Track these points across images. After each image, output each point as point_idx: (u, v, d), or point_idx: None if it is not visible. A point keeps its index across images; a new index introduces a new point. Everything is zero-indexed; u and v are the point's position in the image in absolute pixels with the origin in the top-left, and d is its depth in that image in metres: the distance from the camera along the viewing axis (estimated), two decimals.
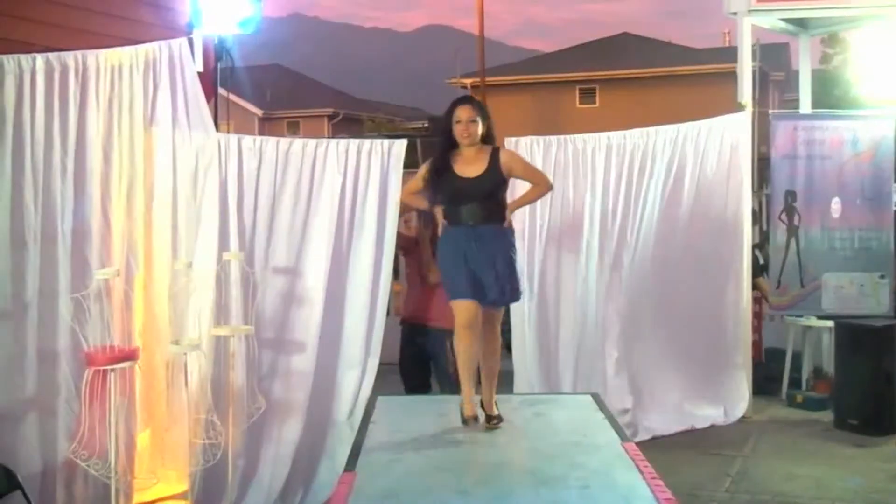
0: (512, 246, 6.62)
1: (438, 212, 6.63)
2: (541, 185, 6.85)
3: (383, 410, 6.88)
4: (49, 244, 6.91)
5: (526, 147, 9.23)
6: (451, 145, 6.51)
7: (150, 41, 7.52)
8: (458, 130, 6.45)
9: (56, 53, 6.98)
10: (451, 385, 7.95)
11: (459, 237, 6.44)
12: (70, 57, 7.02)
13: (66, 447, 6.67)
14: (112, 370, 6.45)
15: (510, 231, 6.64)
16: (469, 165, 6.46)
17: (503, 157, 6.55)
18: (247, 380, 7.49)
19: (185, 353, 6.95)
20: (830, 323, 10.95)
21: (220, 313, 7.46)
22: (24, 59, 6.80)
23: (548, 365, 9.60)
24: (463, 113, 6.48)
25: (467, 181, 6.43)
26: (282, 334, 7.81)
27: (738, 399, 10.58)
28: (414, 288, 8.97)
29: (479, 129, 6.49)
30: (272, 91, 47.40)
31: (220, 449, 7.09)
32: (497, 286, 6.44)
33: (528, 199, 7.06)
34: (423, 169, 6.63)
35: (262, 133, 39.87)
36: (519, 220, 8.51)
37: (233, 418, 7.24)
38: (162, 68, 7.39)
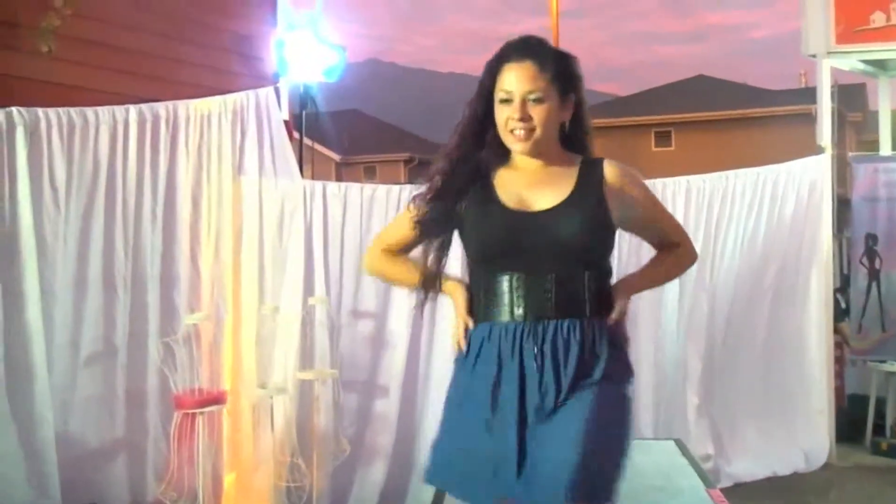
0: (624, 380, 3.39)
1: (455, 291, 3.55)
2: (683, 249, 3.68)
3: None
4: (139, 289, 7.07)
5: None
6: (486, 145, 3.49)
7: (238, 90, 7.70)
8: (506, 120, 3.37)
9: (148, 104, 7.17)
10: None
11: (493, 350, 3.33)
12: (161, 107, 7.20)
13: (155, 487, 6.81)
14: (200, 413, 6.58)
15: (619, 342, 3.44)
16: (533, 188, 3.38)
17: (610, 176, 3.41)
18: (331, 423, 7.57)
19: (271, 397, 7.06)
20: None
21: (306, 357, 7.56)
22: (118, 110, 6.98)
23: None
24: (518, 78, 3.33)
25: (528, 218, 3.32)
26: (366, 378, 7.89)
27: (820, 446, 10.45)
28: None
29: (552, 114, 3.36)
30: (349, 136, 47.74)
31: (304, 492, 7.17)
32: (569, 472, 3.09)
33: (661, 275, 3.78)
34: (412, 208, 3.58)
35: (338, 178, 40.24)
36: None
37: (317, 461, 7.32)
38: (249, 117, 7.55)
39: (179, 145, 7.31)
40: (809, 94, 11.97)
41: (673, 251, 3.69)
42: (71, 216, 6.72)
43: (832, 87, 12.27)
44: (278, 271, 7.62)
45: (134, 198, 7.08)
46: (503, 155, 3.49)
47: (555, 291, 3.28)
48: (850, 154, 12.67)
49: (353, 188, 7.99)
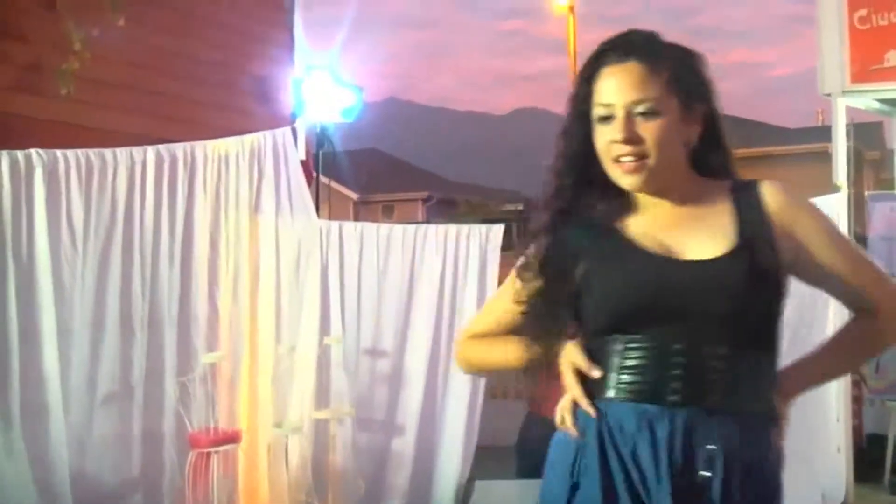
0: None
1: (567, 370, 2.64)
2: (884, 316, 2.54)
3: (482, 495, 6.91)
4: (156, 329, 7.10)
5: None
6: (589, 181, 2.52)
7: (256, 131, 7.75)
8: (607, 145, 2.45)
9: (166, 145, 7.23)
10: None
11: (617, 444, 2.44)
12: (179, 148, 7.26)
13: None
14: (215, 452, 6.59)
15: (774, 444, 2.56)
16: (675, 232, 2.46)
17: (775, 203, 2.46)
18: (347, 462, 7.57)
19: (287, 436, 7.08)
20: None
21: (321, 396, 7.57)
22: (136, 151, 7.04)
23: None
24: (620, 86, 2.43)
25: (683, 268, 2.40)
26: (382, 417, 7.90)
27: (838, 485, 10.37)
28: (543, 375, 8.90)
29: (670, 132, 2.42)
30: (367, 175, 47.90)
31: None
32: None
33: (844, 359, 2.79)
34: (517, 283, 2.65)
35: (356, 217, 40.32)
36: None
37: (333, 501, 7.32)
38: (266, 157, 7.60)
39: (197, 186, 7.35)
40: (826, 133, 11.96)
41: (866, 319, 2.53)
42: (88, 256, 6.76)
43: (848, 125, 12.29)
44: (295, 310, 7.65)
45: (151, 238, 7.11)
46: (620, 195, 2.50)
47: (716, 365, 2.36)
48: (868, 192, 12.66)
49: (370, 227, 8.04)
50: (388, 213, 46.99)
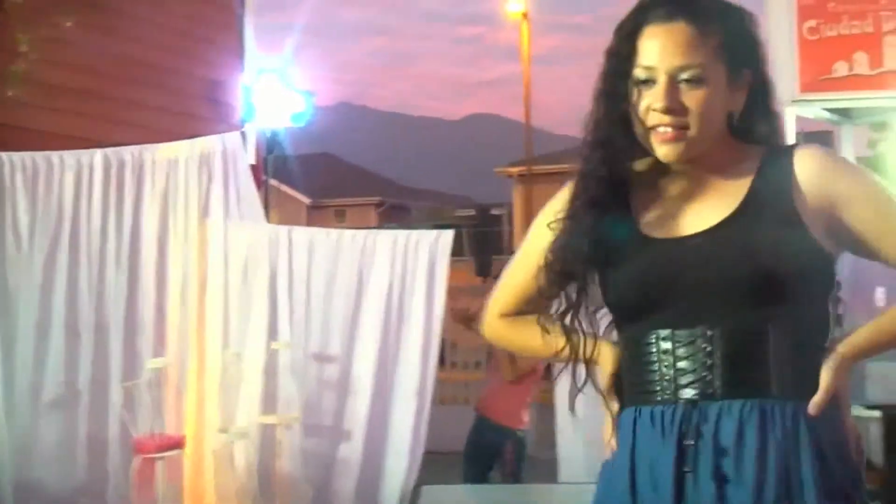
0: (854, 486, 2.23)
1: (604, 360, 2.40)
2: None
3: (429, 500, 6.92)
4: (102, 333, 7.07)
5: None
6: (628, 152, 2.32)
7: (205, 135, 7.73)
8: (646, 111, 2.24)
9: (114, 149, 7.20)
10: (514, 483, 7.94)
11: (650, 448, 2.23)
12: (127, 152, 7.23)
13: None
14: (160, 458, 6.56)
15: (842, 449, 2.22)
16: (688, 205, 2.30)
17: (804, 169, 2.24)
18: (294, 468, 7.55)
19: (233, 442, 7.05)
20: (878, 413, 10.86)
21: (269, 401, 7.55)
22: (83, 154, 7.01)
23: (595, 453, 9.58)
24: (665, 47, 2.20)
25: (674, 247, 2.25)
26: (329, 423, 7.88)
27: None
28: (491, 380, 8.93)
29: (716, 102, 2.22)
30: (320, 180, 47.80)
31: None
32: None
33: None
34: (536, 236, 2.46)
35: (309, 221, 40.19)
36: None
37: None
38: (216, 161, 7.57)
39: (145, 190, 7.32)
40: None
41: None
42: (34, 260, 6.72)
43: (798, 134, 12.40)
44: (243, 316, 7.62)
45: (98, 242, 7.09)
46: (651, 160, 2.32)
47: (720, 355, 2.17)
48: None
49: (319, 233, 8.03)
50: (340, 217, 46.95)
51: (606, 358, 2.37)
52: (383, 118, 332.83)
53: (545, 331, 2.39)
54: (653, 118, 2.21)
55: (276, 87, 9.50)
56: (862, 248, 2.27)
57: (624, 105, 2.24)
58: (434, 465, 8.56)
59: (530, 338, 2.46)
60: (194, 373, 7.38)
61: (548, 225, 2.37)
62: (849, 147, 13.29)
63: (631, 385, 2.30)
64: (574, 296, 2.33)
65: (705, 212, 2.25)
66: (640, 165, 2.34)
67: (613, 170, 2.28)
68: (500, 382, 8.18)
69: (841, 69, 11.33)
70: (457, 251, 8.14)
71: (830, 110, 12.27)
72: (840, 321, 10.85)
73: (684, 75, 2.18)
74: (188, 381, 7.30)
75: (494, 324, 2.59)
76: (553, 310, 2.39)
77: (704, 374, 2.16)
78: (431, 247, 8.01)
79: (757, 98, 2.30)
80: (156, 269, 7.33)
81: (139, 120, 8.85)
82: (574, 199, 2.35)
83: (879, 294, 11.30)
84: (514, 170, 40.15)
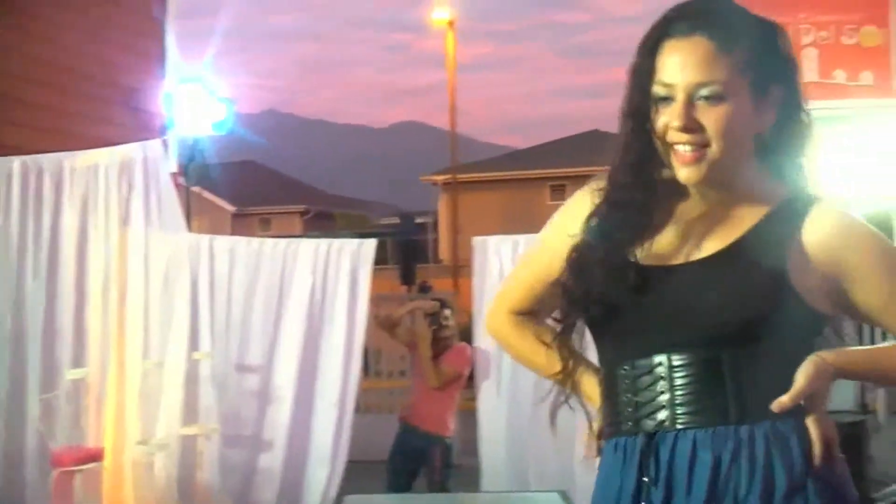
0: None
1: (589, 391, 2.36)
2: None
3: None
4: (19, 343, 6.97)
5: (494, 247, 9.24)
6: (656, 173, 2.22)
7: (126, 143, 7.65)
8: (664, 129, 2.15)
9: (32, 156, 7.10)
10: (439, 491, 7.93)
11: (621, 480, 2.21)
12: (45, 159, 7.14)
13: None
14: (78, 470, 6.48)
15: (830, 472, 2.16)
16: (690, 234, 2.22)
17: (813, 232, 2.14)
18: (214, 479, 7.50)
19: (153, 453, 6.98)
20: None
21: (189, 412, 7.49)
22: (1, 161, 6.92)
23: (518, 461, 9.59)
24: (683, 63, 2.11)
25: (657, 274, 2.18)
26: (250, 432, 7.84)
27: None
28: (416, 387, 8.86)
29: (738, 121, 2.12)
30: (245, 188, 47.55)
31: None
32: None
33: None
34: (555, 239, 2.37)
35: (233, 229, 39.95)
36: None
37: None
38: (136, 169, 7.50)
39: (64, 198, 7.24)
40: None
41: None
42: None
43: None
44: (163, 325, 7.56)
45: (16, 251, 6.99)
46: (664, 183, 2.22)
47: (672, 383, 2.14)
48: None
49: (241, 242, 7.99)
50: (265, 226, 46.72)
51: (593, 393, 2.33)
52: (309, 126, 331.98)
53: (546, 346, 2.35)
54: (671, 136, 2.13)
55: (198, 94, 9.44)
56: (865, 320, 2.22)
57: (649, 124, 2.16)
58: (358, 474, 8.54)
59: (532, 352, 2.43)
60: (114, 383, 7.30)
61: (569, 235, 2.27)
62: None
63: (605, 416, 2.27)
64: (573, 316, 2.29)
65: (702, 245, 2.18)
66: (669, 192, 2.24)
67: (643, 195, 2.20)
68: (424, 389, 8.16)
69: None
70: (382, 259, 8.15)
71: None
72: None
73: (703, 92, 2.10)
74: (108, 391, 7.22)
75: (502, 318, 2.53)
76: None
77: (663, 405, 2.13)
78: (354, 255, 8.01)
79: (788, 122, 2.19)
80: (75, 278, 7.25)
81: (58, 127, 8.74)
82: (599, 222, 2.25)
83: None
84: (440, 178, 40.24)
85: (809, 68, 10.95)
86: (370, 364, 11.35)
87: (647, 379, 2.14)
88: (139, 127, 9.29)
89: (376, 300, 9.40)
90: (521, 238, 9.53)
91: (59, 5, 9.14)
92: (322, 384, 7.93)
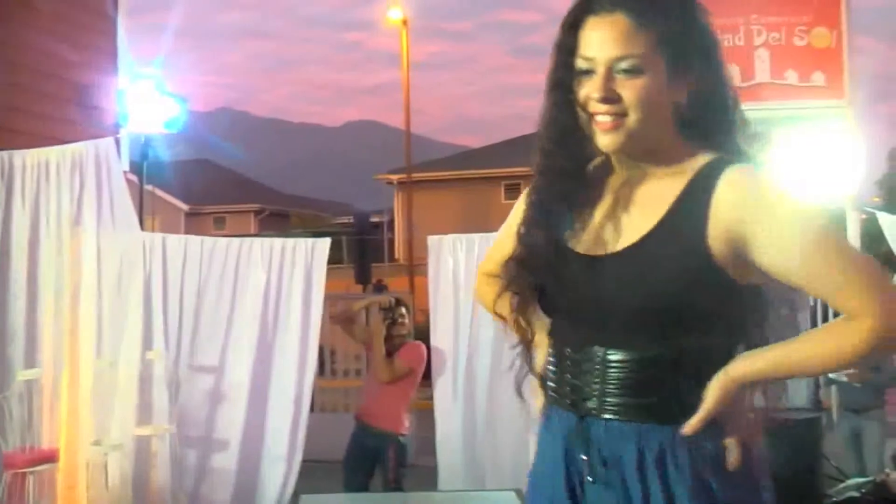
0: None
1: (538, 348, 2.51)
2: (856, 320, 2.07)
3: None
4: None
5: (449, 246, 9.22)
6: (582, 143, 2.30)
7: (77, 140, 7.58)
8: (585, 100, 2.25)
9: None
10: (395, 490, 7.90)
11: (556, 447, 2.36)
12: None
13: None
14: (31, 472, 6.41)
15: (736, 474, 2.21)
16: (618, 215, 2.32)
17: (723, 195, 2.16)
18: (169, 479, 7.45)
19: (107, 454, 6.92)
20: (751, 416, 11.07)
21: (143, 412, 7.44)
22: None
23: (474, 460, 9.59)
24: (603, 38, 2.22)
25: (591, 265, 2.27)
26: (205, 432, 7.80)
27: None
28: (369, 385, 8.79)
29: (654, 93, 2.20)
30: (198, 186, 47.30)
31: None
32: None
33: (801, 357, 2.16)
34: (517, 211, 2.53)
35: (187, 228, 39.76)
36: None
37: None
38: (88, 167, 7.44)
39: (15, 196, 7.18)
40: None
41: (839, 321, 2.14)
42: None
43: None
44: (116, 325, 7.50)
45: None
46: (602, 158, 2.36)
47: (605, 377, 2.24)
48: None
49: (194, 241, 7.93)
50: (219, 225, 46.52)
51: (540, 356, 2.45)
52: (264, 124, 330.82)
53: (502, 319, 2.50)
54: (592, 107, 2.22)
55: (151, 91, 9.37)
56: (777, 279, 2.18)
57: (571, 97, 2.25)
58: (314, 473, 8.52)
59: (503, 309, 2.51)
60: (67, 384, 7.24)
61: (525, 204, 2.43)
62: None
63: (549, 386, 2.39)
64: (527, 292, 2.39)
65: (631, 227, 2.25)
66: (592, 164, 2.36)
67: (571, 164, 2.32)
68: (378, 387, 8.13)
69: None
70: (337, 259, 8.14)
71: None
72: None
73: (622, 65, 2.19)
74: (61, 392, 7.15)
75: (480, 278, 2.75)
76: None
77: (596, 393, 2.23)
78: (308, 254, 7.98)
79: (706, 96, 2.27)
80: (27, 278, 7.18)
81: (8, 124, 8.64)
82: (536, 195, 2.39)
83: None
84: (395, 177, 40.22)
85: (761, 69, 11.04)
86: (325, 363, 11.31)
87: (586, 366, 2.25)
88: (91, 124, 9.21)
89: (331, 299, 9.38)
90: (476, 237, 9.53)
91: (10, 1, 9.04)
92: (277, 383, 7.90)
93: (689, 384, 2.16)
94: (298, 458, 7.91)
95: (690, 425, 2.14)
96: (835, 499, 9.39)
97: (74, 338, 7.34)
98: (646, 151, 2.27)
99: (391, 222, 38.68)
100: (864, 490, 9.43)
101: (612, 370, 2.21)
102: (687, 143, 2.27)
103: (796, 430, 10.28)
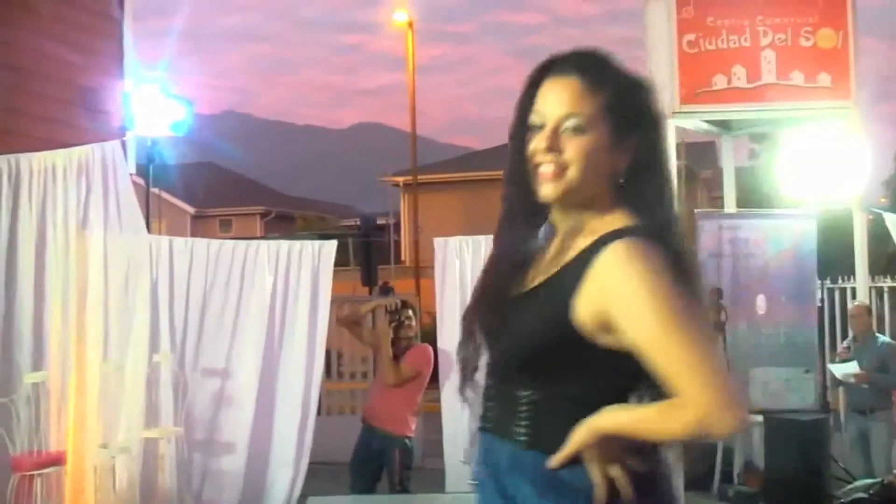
0: None
1: None
2: (681, 403, 2.17)
3: None
4: None
5: (455, 248, 9.23)
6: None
7: (84, 144, 7.58)
8: (532, 151, 2.43)
9: None
10: (401, 492, 7.88)
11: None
12: (3, 160, 7.06)
13: None
14: (39, 475, 6.41)
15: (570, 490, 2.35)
16: (543, 261, 2.48)
17: (599, 263, 2.29)
18: (176, 482, 7.45)
19: (114, 457, 6.92)
20: (760, 417, 11.05)
21: (151, 415, 7.44)
22: None
23: None
24: (556, 98, 2.42)
25: (503, 301, 2.47)
26: (212, 435, 7.80)
27: None
28: (376, 387, 8.74)
29: (594, 152, 2.38)
30: (204, 189, 47.28)
31: None
32: None
33: (646, 425, 2.27)
34: None
35: (193, 231, 39.75)
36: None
37: None
38: (95, 170, 7.44)
39: (22, 199, 7.18)
40: None
41: (675, 402, 2.20)
42: None
43: (679, 144, 12.57)
44: (123, 328, 7.50)
45: None
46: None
47: (495, 403, 2.50)
48: (696, 210, 12.98)
49: (200, 243, 7.94)
50: (225, 227, 46.51)
51: None
52: (268, 126, 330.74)
53: None
54: (537, 157, 2.39)
55: (156, 95, 9.37)
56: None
57: (525, 149, 2.44)
58: (321, 476, 8.52)
59: None
60: (74, 386, 7.23)
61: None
62: (729, 158, 13.58)
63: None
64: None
65: (534, 276, 2.44)
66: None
67: (527, 209, 2.49)
68: (383, 388, 8.10)
69: (720, 82, 11.53)
70: (344, 261, 8.13)
71: (710, 122, 12.50)
72: (723, 328, 11.07)
73: (568, 123, 2.37)
74: (68, 394, 7.15)
75: None
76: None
77: (490, 415, 2.50)
78: (314, 257, 7.98)
79: (643, 165, 2.43)
80: (34, 281, 7.18)
81: (16, 128, 8.64)
82: (495, 240, 2.60)
83: (760, 301, 11.54)
84: (400, 179, 40.17)
85: (767, 70, 11.02)
86: (332, 366, 11.30)
87: (489, 392, 2.51)
88: (97, 128, 9.20)
89: (337, 302, 9.37)
90: (483, 238, 9.52)
91: (15, 5, 9.04)
92: (284, 386, 7.90)
93: (560, 423, 2.32)
94: (305, 460, 7.91)
95: (555, 459, 2.31)
96: (842, 500, 9.36)
97: (81, 341, 7.33)
98: (581, 206, 2.43)
99: (397, 224, 38.65)
100: (871, 491, 9.40)
101: (492, 395, 2.49)
102: (617, 206, 2.42)
103: (804, 432, 10.28)
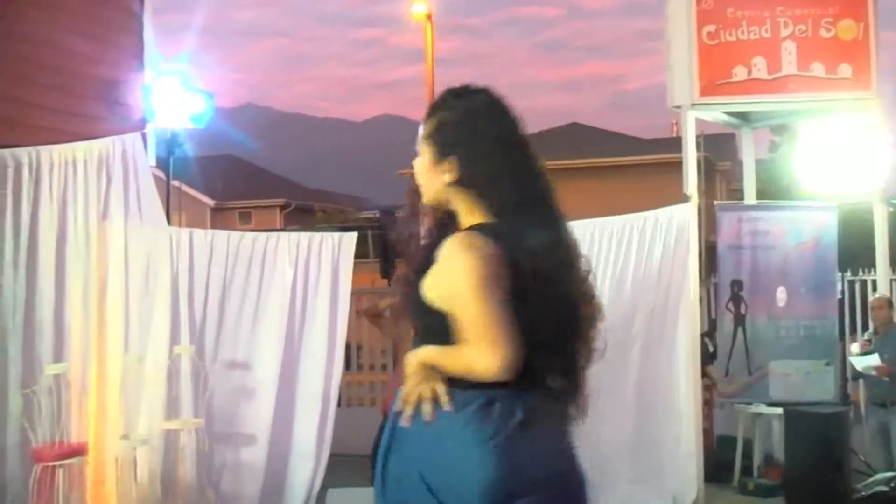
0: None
1: None
2: (467, 350, 2.76)
3: (335, 503, 6.88)
4: (0, 339, 6.92)
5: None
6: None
7: (104, 136, 7.60)
8: None
9: (10, 150, 7.04)
10: None
11: None
12: (24, 153, 7.08)
13: None
14: (60, 466, 6.44)
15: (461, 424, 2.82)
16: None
17: (439, 252, 2.84)
18: (197, 474, 7.47)
19: (135, 448, 6.95)
20: (780, 410, 11.01)
21: (171, 407, 7.46)
22: None
23: None
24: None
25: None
26: (233, 427, 7.81)
27: (689, 487, 10.56)
28: (396, 379, 8.76)
29: (423, 171, 3.01)
30: (224, 181, 47.33)
31: None
32: None
33: (449, 361, 2.84)
34: None
35: (213, 223, 39.82)
36: None
37: None
38: (115, 163, 7.46)
39: (42, 192, 7.20)
40: (680, 144, 12.17)
41: (470, 350, 2.76)
42: None
43: (698, 136, 12.49)
44: (144, 319, 7.52)
45: None
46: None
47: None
48: (716, 203, 12.92)
49: (220, 235, 7.95)
50: (245, 219, 46.53)
51: None
52: (288, 120, 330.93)
53: None
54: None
55: (176, 87, 9.39)
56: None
57: None
58: (341, 467, 8.51)
59: None
60: (95, 378, 7.26)
61: None
62: (749, 150, 13.51)
63: None
64: None
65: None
66: None
67: (437, 215, 3.08)
68: (398, 380, 8.09)
69: (740, 73, 11.46)
70: (363, 253, 8.12)
71: (730, 114, 12.44)
72: (743, 321, 11.00)
73: (417, 148, 3.02)
74: (89, 386, 7.18)
75: None
76: None
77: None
78: (335, 249, 7.98)
79: (482, 181, 2.94)
80: (55, 273, 7.20)
81: (37, 121, 8.66)
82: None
83: (780, 294, 11.49)
84: None
85: (788, 61, 10.95)
86: (352, 358, 11.30)
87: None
88: (117, 120, 9.22)
89: (357, 294, 9.37)
90: None
91: (36, 1, 9.07)
92: (304, 378, 7.91)
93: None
94: (326, 452, 7.91)
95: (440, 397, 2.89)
96: (863, 493, 9.33)
97: (102, 332, 7.36)
98: (453, 210, 3.01)
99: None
100: (892, 484, 9.37)
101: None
102: (478, 210, 2.94)
103: (824, 425, 10.24)
